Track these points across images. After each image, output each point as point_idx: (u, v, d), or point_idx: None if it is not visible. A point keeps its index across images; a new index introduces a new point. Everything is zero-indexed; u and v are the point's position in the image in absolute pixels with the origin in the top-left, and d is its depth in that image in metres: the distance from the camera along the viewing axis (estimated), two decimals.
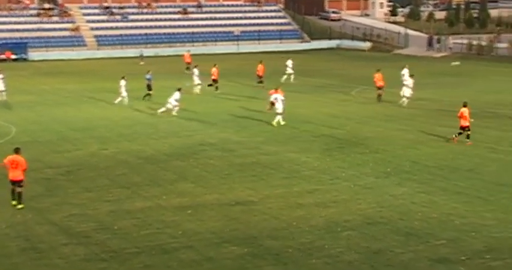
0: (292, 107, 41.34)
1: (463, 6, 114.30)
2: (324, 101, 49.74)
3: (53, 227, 23.51)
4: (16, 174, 25.58)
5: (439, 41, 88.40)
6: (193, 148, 34.99)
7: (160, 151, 34.52)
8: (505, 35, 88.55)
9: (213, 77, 55.06)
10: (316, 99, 50.70)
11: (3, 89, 51.43)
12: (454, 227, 22.94)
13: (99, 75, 69.05)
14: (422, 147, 34.73)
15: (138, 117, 44.17)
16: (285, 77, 59.64)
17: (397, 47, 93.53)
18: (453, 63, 59.40)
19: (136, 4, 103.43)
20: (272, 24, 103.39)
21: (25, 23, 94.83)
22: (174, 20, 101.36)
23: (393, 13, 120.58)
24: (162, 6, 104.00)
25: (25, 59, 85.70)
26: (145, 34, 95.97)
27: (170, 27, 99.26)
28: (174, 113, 43.98)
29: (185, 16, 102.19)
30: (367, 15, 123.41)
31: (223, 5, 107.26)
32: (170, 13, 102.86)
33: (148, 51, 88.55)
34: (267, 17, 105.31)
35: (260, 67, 57.51)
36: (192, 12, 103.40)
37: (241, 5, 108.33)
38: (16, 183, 25.59)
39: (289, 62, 60.70)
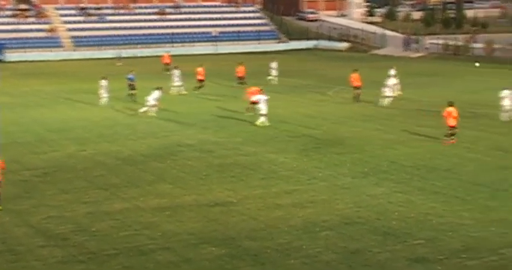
0: (270, 107, 41.39)
1: (439, 7, 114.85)
2: (302, 102, 49.85)
3: (30, 229, 23.42)
4: None
5: (416, 42, 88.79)
6: (172, 149, 34.96)
7: (138, 152, 34.46)
8: (481, 35, 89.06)
9: (199, 77, 55.16)
10: (294, 99, 50.79)
11: None
12: (431, 226, 23.08)
13: (76, 76, 68.77)
14: (400, 147, 34.89)
15: (116, 118, 44.07)
16: (270, 78, 59.91)
17: (374, 47, 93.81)
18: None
19: (113, 5, 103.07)
20: (250, 25, 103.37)
21: (1, 24, 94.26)
22: (152, 20, 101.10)
23: (370, 13, 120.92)
24: (139, 7, 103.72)
25: (1, 60, 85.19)
26: (123, 35, 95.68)
27: (148, 28, 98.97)
28: (152, 113, 43.95)
29: (163, 17, 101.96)
30: (344, 15, 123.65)
31: (201, 6, 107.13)
32: (148, 14, 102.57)
33: (126, 52, 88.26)
34: (245, 18, 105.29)
35: (240, 68, 57.74)
36: (170, 13, 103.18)
37: (219, 6, 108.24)
38: None
39: (274, 64, 60.89)
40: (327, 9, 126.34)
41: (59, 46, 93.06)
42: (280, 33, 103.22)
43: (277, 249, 21.26)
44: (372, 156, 32.92)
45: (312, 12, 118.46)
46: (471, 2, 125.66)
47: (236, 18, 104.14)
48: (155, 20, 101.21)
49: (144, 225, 23.51)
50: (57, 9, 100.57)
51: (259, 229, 23.06)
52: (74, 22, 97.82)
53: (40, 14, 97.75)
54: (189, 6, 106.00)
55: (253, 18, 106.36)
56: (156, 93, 44.22)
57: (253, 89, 43.76)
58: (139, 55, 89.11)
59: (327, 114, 44.68)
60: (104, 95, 48.55)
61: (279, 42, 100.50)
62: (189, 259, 20.62)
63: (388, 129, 39.38)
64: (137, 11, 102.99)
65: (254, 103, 42.18)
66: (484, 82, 59.50)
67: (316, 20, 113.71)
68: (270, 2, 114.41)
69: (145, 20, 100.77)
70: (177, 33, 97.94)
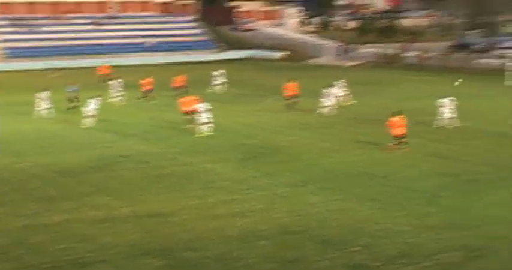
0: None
1: (374, 16, 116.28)
2: (239, 111, 49.95)
3: None
4: None
5: (350, 50, 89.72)
6: (110, 160, 34.72)
7: (76, 164, 34.13)
8: (415, 44, 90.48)
9: (146, 88, 55.43)
10: (231, 109, 50.87)
11: None
12: (368, 233, 23.35)
13: (10, 88, 67.76)
14: (338, 155, 35.23)
15: (53, 130, 43.56)
16: (219, 87, 60.24)
17: (309, 56, 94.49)
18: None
19: (47, 15, 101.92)
20: (186, 35, 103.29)
21: None
22: (87, 31, 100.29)
23: (306, 23, 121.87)
24: (73, 18, 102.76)
25: None
26: (57, 46, 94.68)
27: (83, 38, 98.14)
28: (91, 124, 43.65)
29: (98, 27, 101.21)
30: (280, 25, 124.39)
31: (136, 16, 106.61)
32: (82, 24, 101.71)
33: (60, 63, 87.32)
34: (181, 28, 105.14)
35: (179, 78, 58.04)
36: (105, 24, 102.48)
37: (154, 16, 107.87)
38: None
39: (219, 73, 61.28)
40: (263, 18, 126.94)
41: None
42: (216, 43, 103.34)
43: (216, 259, 21.28)
44: (310, 165, 33.18)
45: (248, 22, 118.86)
46: (406, 11, 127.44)
47: (172, 29, 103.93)
48: (90, 31, 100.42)
49: (82, 238, 23.31)
50: None
51: (198, 239, 23.04)
52: (6, 33, 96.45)
53: None
54: (125, 17, 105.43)
55: (190, 28, 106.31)
56: (94, 103, 43.97)
57: (189, 98, 43.81)
58: (74, 66, 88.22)
59: (264, 123, 44.88)
60: (43, 106, 48.05)
61: (215, 52, 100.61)
62: None
63: (326, 138, 39.73)
64: (71, 21, 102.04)
65: (190, 113, 42.26)
66: (418, 90, 60.41)
67: (252, 30, 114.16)
68: (206, 12, 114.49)
69: (80, 31, 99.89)
70: (114, 44, 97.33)
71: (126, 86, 56.35)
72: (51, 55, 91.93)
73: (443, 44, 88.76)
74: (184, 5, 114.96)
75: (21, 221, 25.22)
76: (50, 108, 48.26)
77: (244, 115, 48.31)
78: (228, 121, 45.07)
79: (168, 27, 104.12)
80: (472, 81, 65.66)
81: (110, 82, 57.04)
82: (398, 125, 35.95)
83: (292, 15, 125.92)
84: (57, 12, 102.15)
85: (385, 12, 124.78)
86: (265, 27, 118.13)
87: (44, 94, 48.22)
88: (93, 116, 43.92)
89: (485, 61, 75.68)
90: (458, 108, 42.58)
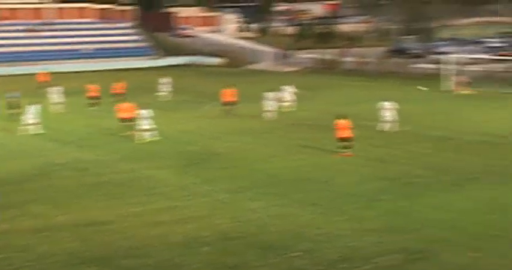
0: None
1: (312, 22, 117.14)
2: (179, 117, 49.79)
3: None
4: None
5: (288, 56, 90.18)
6: (48, 168, 34.27)
7: (14, 172, 33.60)
8: (352, 50, 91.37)
9: (91, 94, 55.05)
10: (171, 115, 50.67)
11: None
12: (309, 238, 23.43)
13: None
14: (279, 161, 35.33)
15: None
16: (163, 94, 60.04)
17: (248, 62, 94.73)
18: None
19: None
20: (124, 41, 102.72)
21: None
22: (23, 38, 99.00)
23: (244, 29, 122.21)
24: (8, 24, 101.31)
25: None
26: None
27: (19, 45, 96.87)
28: (30, 131, 43.09)
29: (34, 34, 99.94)
30: (218, 31, 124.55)
31: (74, 23, 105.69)
32: (18, 31, 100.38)
33: None
34: (120, 35, 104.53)
35: (119, 85, 57.81)
36: (41, 30, 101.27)
37: (92, 23, 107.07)
38: None
39: (165, 80, 61.14)
40: (202, 25, 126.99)
41: None
42: (155, 49, 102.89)
43: (157, 266, 21.12)
44: (251, 170, 33.20)
45: (187, 28, 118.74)
46: (343, 17, 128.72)
47: (110, 35, 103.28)
48: (26, 38, 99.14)
49: (20, 248, 22.93)
50: None
51: (138, 247, 22.85)
52: None
53: None
54: (62, 23, 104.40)
55: (128, 34, 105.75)
56: (33, 110, 43.42)
57: (125, 105, 43.62)
58: (12, 73, 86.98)
59: (205, 129, 44.81)
60: None
61: (154, 59, 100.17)
62: None
63: (267, 143, 39.82)
64: (6, 28, 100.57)
65: (127, 120, 42.03)
66: (357, 95, 60.98)
67: (191, 36, 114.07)
68: (144, 18, 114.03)
69: (15, 38, 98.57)
70: (51, 51, 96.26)
71: (66, 93, 55.85)
72: None
73: (380, 50, 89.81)
74: (122, 11, 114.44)
75: None
76: None
77: (185, 121, 48.18)
78: (168, 127, 44.87)
79: (105, 34, 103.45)
80: (408, 86, 66.56)
81: (49, 89, 56.47)
82: (344, 127, 36.16)
83: (231, 21, 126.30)
84: None
85: (323, 18, 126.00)
86: (203, 33, 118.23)
87: None
88: (32, 123, 43.35)
89: (421, 66, 76.75)
90: (397, 113, 43.08)
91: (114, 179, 31.85)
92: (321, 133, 42.70)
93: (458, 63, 68.10)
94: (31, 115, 43.35)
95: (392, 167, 33.50)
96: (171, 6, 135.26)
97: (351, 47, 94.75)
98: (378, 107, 43.45)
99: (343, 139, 36.10)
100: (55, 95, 54.28)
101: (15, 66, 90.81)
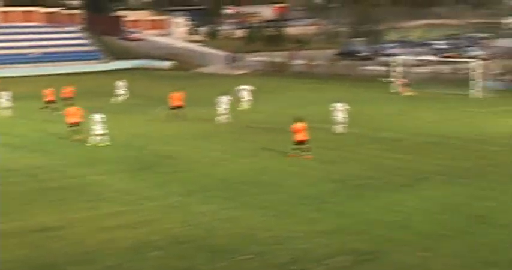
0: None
1: (260, 25, 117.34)
2: (129, 121, 49.39)
3: None
4: None
5: (238, 59, 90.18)
6: None
7: None
8: (301, 52, 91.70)
9: (48, 98, 54.68)
10: (121, 119, 50.22)
11: None
12: (260, 241, 23.40)
13: None
14: (228, 164, 35.25)
15: None
16: (120, 97, 59.60)
17: (197, 65, 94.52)
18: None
19: None
20: (72, 45, 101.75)
21: None
22: None
23: (193, 32, 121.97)
24: None
25: None
26: None
27: None
28: None
29: None
30: (167, 34, 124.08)
31: (21, 27, 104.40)
32: None
33: None
34: (67, 38, 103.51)
35: (67, 89, 57.33)
36: None
37: (40, 27, 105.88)
38: None
39: (121, 84, 60.71)
40: (151, 28, 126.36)
41: None
42: (103, 53, 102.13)
43: None
44: (200, 174, 33.07)
45: (135, 32, 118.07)
46: (292, 20, 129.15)
47: (58, 39, 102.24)
48: None
49: None
50: None
51: (88, 253, 22.59)
52: None
53: None
54: (8, 27, 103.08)
55: (76, 38, 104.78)
56: None
57: (73, 109, 43.29)
58: None
59: (155, 133, 44.54)
60: None
61: (103, 63, 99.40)
62: None
63: (215, 147, 39.71)
64: None
65: (74, 124, 41.77)
66: (306, 97, 61.19)
67: (140, 40, 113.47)
68: (93, 21, 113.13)
69: None
70: None
71: (15, 98, 55.17)
72: None
73: (329, 52, 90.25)
74: (69, 14, 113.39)
75: None
76: None
77: (135, 126, 47.83)
78: (117, 132, 44.45)
79: (53, 38, 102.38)
80: (357, 88, 67.02)
81: None
82: (300, 130, 36.19)
83: (180, 25, 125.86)
84: None
85: (272, 21, 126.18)
86: (152, 36, 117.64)
87: None
88: None
89: (370, 68, 77.33)
90: (347, 115, 43.26)
91: (64, 185, 31.46)
92: (272, 136, 42.73)
93: (405, 65, 68.77)
94: None
95: (343, 169, 33.64)
96: (120, 10, 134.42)
97: (300, 50, 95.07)
98: (328, 109, 43.60)
99: (300, 142, 36.14)
100: (3, 99, 53.63)
101: None
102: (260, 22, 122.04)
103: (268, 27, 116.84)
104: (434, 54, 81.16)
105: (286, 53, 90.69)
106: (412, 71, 67.72)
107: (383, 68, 74.61)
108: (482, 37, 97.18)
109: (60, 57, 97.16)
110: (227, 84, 70.06)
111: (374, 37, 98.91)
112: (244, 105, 53.12)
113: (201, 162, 35.79)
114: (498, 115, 49.62)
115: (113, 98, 59.94)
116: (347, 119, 42.97)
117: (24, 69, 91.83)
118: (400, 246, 22.80)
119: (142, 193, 29.83)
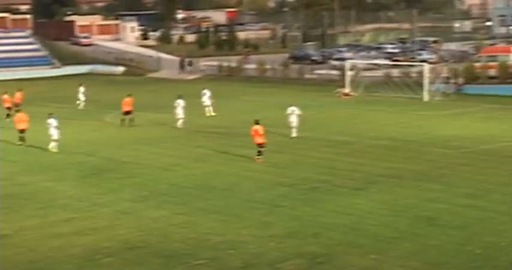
0: (46, 135, 40.45)
1: (212, 29, 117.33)
2: (79, 128, 48.90)
3: None
4: None
5: (190, 64, 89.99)
6: None
7: None
8: (253, 56, 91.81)
9: (6, 105, 54.47)
10: (71, 126, 49.71)
11: None
12: (212, 245, 23.37)
13: None
14: (179, 169, 35.15)
15: None
16: (80, 103, 59.08)
17: (149, 70, 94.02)
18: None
19: None
20: (21, 50, 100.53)
21: None
22: None
23: (145, 37, 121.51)
24: None
25: None
26: None
27: None
28: None
29: None
30: (119, 39, 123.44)
31: None
32: None
33: None
34: (15, 44, 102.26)
35: (15, 95, 56.65)
36: None
37: None
38: None
39: (82, 89, 60.08)
40: (101, 33, 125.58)
41: None
42: (53, 58, 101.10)
43: None
44: (152, 180, 32.92)
45: (85, 37, 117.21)
46: (243, 24, 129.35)
47: (6, 44, 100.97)
48: None
49: None
50: None
51: (39, 260, 22.37)
52: None
53: None
54: None
55: (24, 43, 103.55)
56: None
57: (20, 116, 42.96)
58: None
59: (105, 139, 44.21)
60: None
61: (52, 68, 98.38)
62: None
63: (167, 152, 39.56)
64: None
65: (22, 131, 41.45)
66: (257, 102, 61.21)
67: (90, 45, 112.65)
68: (41, 26, 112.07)
69: None
70: None
71: None
72: None
73: (280, 56, 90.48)
74: (19, 19, 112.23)
75: None
76: None
77: (86, 131, 47.42)
78: (66, 138, 43.98)
79: (2, 43, 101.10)
80: (308, 91, 67.24)
81: None
82: (257, 134, 36.21)
83: (131, 29, 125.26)
84: None
85: (224, 25, 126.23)
86: (104, 41, 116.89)
87: None
88: None
89: (321, 72, 77.64)
90: (299, 119, 43.35)
91: (12, 192, 31.05)
92: (225, 140, 42.72)
93: (357, 68, 69.20)
94: None
95: (294, 173, 33.73)
96: (70, 15, 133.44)
97: (251, 54, 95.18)
98: (280, 113, 43.66)
99: (259, 145, 36.21)
100: None
101: None
102: (212, 26, 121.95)
103: (220, 31, 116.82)
104: (386, 58, 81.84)
105: (238, 57, 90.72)
106: (363, 74, 68.13)
107: (334, 72, 75.00)
108: (431, 41, 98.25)
109: (8, 63, 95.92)
110: (179, 89, 69.85)
111: (325, 41, 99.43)
112: (208, 110, 53.14)
113: (154, 167, 35.62)
114: (448, 118, 50.21)
115: (77, 103, 59.40)
116: (299, 124, 43.07)
117: None
118: (352, 249, 22.94)
119: (94, 199, 29.60)
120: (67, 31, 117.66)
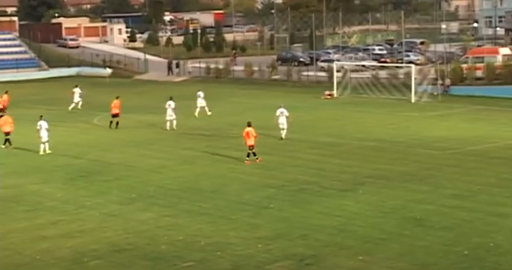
0: (34, 138, 40.34)
1: (199, 31, 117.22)
2: (67, 130, 48.75)
3: None
4: None
5: (178, 66, 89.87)
6: None
7: None
8: (240, 58, 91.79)
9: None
10: (59, 128, 49.55)
11: None
12: (200, 247, 23.34)
13: None
14: (166, 171, 35.10)
15: None
16: (78, 103, 58.87)
17: (137, 72, 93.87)
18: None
19: None
20: (7, 53, 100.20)
21: None
22: None
23: (132, 39, 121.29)
24: None
25: None
26: None
27: None
28: None
29: None
30: (106, 41, 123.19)
31: None
32: None
33: None
34: (2, 46, 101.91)
35: (5, 97, 56.49)
36: None
37: None
38: None
39: (77, 90, 59.91)
40: (88, 35, 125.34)
41: None
42: (40, 60, 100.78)
43: None
44: (139, 182, 32.86)
45: (72, 39, 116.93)
46: (230, 26, 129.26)
47: None
48: None
49: None
50: None
51: (25, 263, 22.28)
52: None
53: None
54: None
55: (11, 46, 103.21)
56: None
57: (4, 118, 42.86)
58: None
59: (93, 141, 44.10)
60: None
61: (39, 70, 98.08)
62: None
63: (155, 154, 39.50)
64: None
65: (8, 133, 41.59)
66: (245, 104, 61.19)
67: (77, 47, 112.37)
68: (28, 28, 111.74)
69: None
70: None
71: None
72: None
73: (268, 58, 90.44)
74: (6, 21, 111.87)
75: None
76: None
77: (71, 134, 47.28)
78: (53, 141, 43.89)
79: None
80: (297, 93, 67.25)
81: None
82: (249, 135, 36.19)
83: (119, 32, 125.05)
84: None
85: (212, 27, 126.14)
86: (91, 43, 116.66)
87: None
88: None
89: (308, 73, 77.67)
90: (288, 120, 43.33)
91: (1, 195, 30.89)
92: (213, 142, 42.70)
93: (344, 70, 69.28)
94: None
95: (282, 175, 33.73)
96: (57, 17, 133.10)
97: (238, 56, 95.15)
98: (268, 115, 43.60)
99: (250, 147, 36.22)
100: None
101: None
102: (200, 28, 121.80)
103: (207, 33, 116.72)
104: (373, 60, 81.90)
105: (225, 59, 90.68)
106: (350, 76, 68.19)
107: (322, 74, 75.05)
108: (418, 42, 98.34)
109: None
110: (167, 91, 69.77)
111: (313, 43, 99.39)
112: (200, 111, 53.25)
113: (141, 169, 35.56)
114: (435, 119, 50.31)
115: (74, 104, 59.20)
116: (287, 125, 43.03)
117: None
118: (340, 250, 22.96)
119: (82, 202, 29.52)
120: (54, 33, 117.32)
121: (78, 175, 34.60)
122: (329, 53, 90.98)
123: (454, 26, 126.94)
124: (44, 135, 40.06)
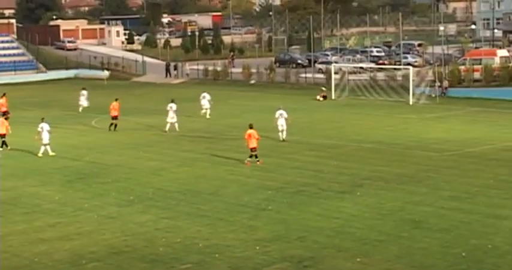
0: (32, 140, 40.34)
1: (197, 33, 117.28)
2: (65, 132, 48.73)
3: None
4: None
5: (175, 68, 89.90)
6: None
7: None
8: (238, 60, 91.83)
9: (2, 109, 54.08)
10: (56, 130, 49.53)
11: None
12: (198, 250, 23.35)
13: None
14: (165, 173, 35.10)
15: None
16: (85, 106, 58.97)
17: (135, 74, 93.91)
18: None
19: None
20: (5, 55, 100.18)
21: None
22: None
23: (130, 41, 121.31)
24: None
25: None
26: None
27: None
28: None
29: None
30: (104, 44, 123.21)
31: None
32: None
33: None
34: (0, 48, 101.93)
35: (3, 100, 56.54)
36: None
37: None
38: None
39: (84, 92, 59.90)
40: (86, 37, 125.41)
41: None
42: (38, 63, 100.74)
43: None
44: (137, 184, 32.86)
45: (70, 41, 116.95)
46: (228, 28, 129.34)
47: None
48: None
49: None
50: None
51: (23, 266, 22.27)
52: None
53: None
54: None
55: (9, 48, 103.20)
56: None
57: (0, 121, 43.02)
58: None
59: (91, 143, 44.11)
60: None
61: (37, 73, 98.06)
62: None
63: (153, 156, 39.50)
64: None
65: (3, 136, 41.76)
66: (243, 106, 61.24)
67: (75, 49, 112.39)
68: (25, 31, 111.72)
69: None
70: None
71: None
72: None
73: (266, 60, 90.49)
74: (4, 24, 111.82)
75: None
76: None
77: (69, 136, 47.27)
78: (54, 142, 43.87)
79: None
80: (294, 95, 67.31)
81: None
82: (251, 137, 36.19)
83: (117, 34, 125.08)
84: None
85: (210, 29, 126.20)
86: (89, 46, 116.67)
87: None
88: None
89: (306, 76, 77.70)
90: (286, 122, 43.34)
91: None
92: (211, 144, 42.71)
93: (342, 72, 69.32)
94: None
95: (280, 177, 33.75)
96: (55, 19, 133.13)
97: (236, 58, 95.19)
98: (266, 116, 43.60)
99: (252, 149, 36.23)
100: None
101: None
102: (198, 30, 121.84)
103: (205, 35, 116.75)
104: (371, 62, 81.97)
105: (223, 61, 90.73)
106: (348, 78, 68.23)
107: (320, 76, 75.09)
108: (416, 44, 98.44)
109: None
110: (165, 93, 69.87)
111: (311, 45, 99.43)
112: (204, 112, 53.39)
113: (138, 171, 35.57)
114: (433, 121, 50.37)
115: (80, 107, 59.31)
116: (286, 127, 43.05)
117: None
118: (338, 252, 22.97)
119: (80, 204, 29.51)
120: (52, 35, 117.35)
121: (76, 177, 34.60)
122: (327, 55, 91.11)
123: (452, 28, 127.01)
124: (46, 137, 40.06)
